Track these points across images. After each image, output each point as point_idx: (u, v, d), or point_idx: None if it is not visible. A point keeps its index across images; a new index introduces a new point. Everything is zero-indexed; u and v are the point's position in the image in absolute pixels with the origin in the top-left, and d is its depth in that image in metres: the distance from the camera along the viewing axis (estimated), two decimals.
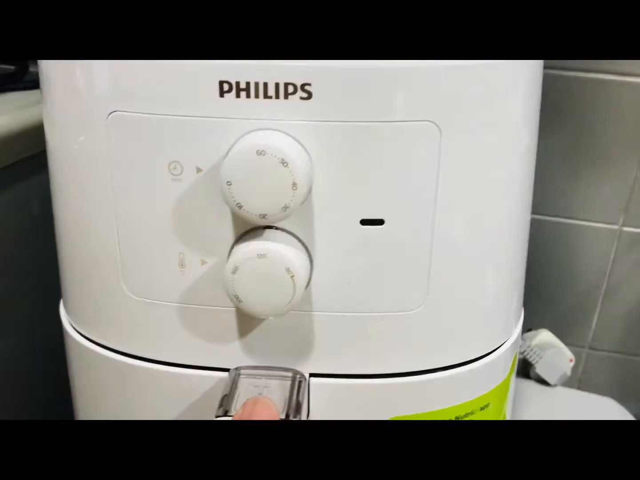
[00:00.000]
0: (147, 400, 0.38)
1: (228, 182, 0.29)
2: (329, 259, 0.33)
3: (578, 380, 0.78)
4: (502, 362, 0.38)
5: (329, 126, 0.30)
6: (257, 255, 0.30)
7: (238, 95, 0.30)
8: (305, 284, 0.31)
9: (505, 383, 0.39)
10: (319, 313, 0.34)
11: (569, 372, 0.64)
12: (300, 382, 0.34)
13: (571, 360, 0.65)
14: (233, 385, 0.34)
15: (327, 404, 0.36)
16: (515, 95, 0.32)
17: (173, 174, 0.31)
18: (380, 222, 0.32)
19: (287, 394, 0.33)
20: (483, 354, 0.37)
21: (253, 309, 0.32)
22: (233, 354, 0.35)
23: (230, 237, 0.33)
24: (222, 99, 0.30)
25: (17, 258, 0.53)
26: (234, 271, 0.31)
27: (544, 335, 0.64)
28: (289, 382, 0.34)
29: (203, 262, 0.33)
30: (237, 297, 0.31)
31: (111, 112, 0.31)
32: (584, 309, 0.76)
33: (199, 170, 0.31)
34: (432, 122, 0.30)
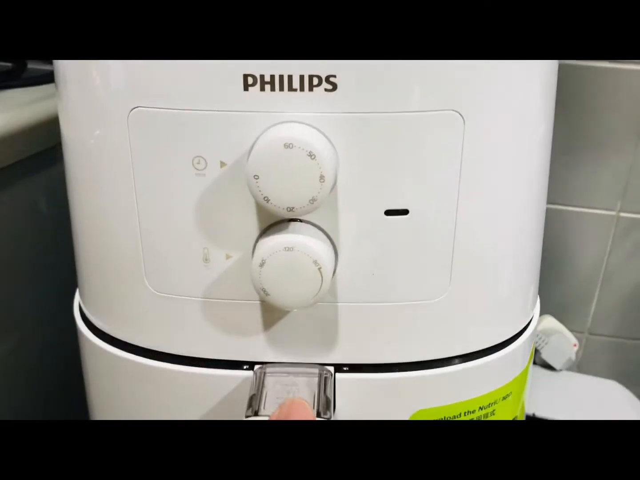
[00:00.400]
0: (163, 402, 0.38)
1: (255, 175, 0.29)
2: (353, 250, 0.33)
3: (577, 365, 0.79)
4: (523, 351, 0.38)
5: (353, 117, 0.30)
6: (284, 248, 0.31)
7: (262, 89, 0.30)
8: (332, 275, 0.31)
9: (525, 372, 0.40)
10: (343, 304, 0.34)
11: (573, 357, 0.65)
12: (326, 378, 0.34)
13: (575, 345, 0.66)
14: (260, 384, 0.34)
15: (352, 398, 0.36)
16: (534, 86, 0.32)
17: (197, 169, 0.31)
18: (404, 212, 0.32)
19: (315, 390, 0.33)
20: (503, 340, 0.37)
21: (280, 301, 0.32)
22: (258, 347, 0.35)
23: (254, 231, 0.33)
24: (246, 92, 0.30)
25: (20, 257, 0.52)
26: (261, 264, 0.31)
27: (548, 321, 0.65)
28: (316, 379, 0.34)
29: (227, 257, 0.33)
30: (264, 291, 0.31)
31: (133, 108, 0.31)
32: (582, 294, 0.77)
33: (223, 164, 0.31)
34: (455, 111, 0.30)
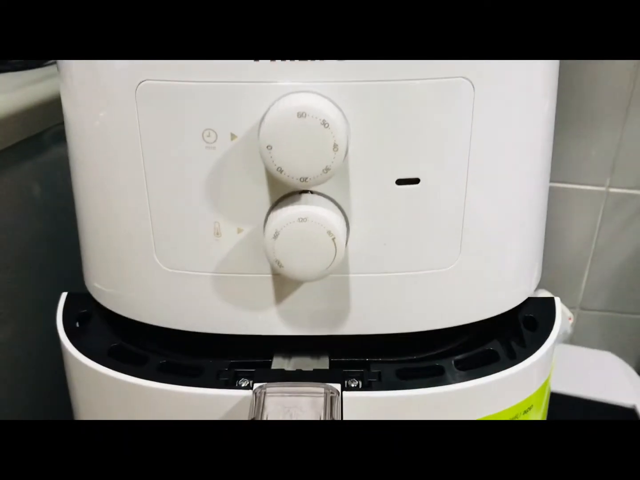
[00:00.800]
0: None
1: (268, 146, 0.29)
2: (364, 220, 0.33)
3: (570, 340, 0.80)
4: (548, 359, 0.38)
5: (364, 86, 0.30)
6: (298, 219, 0.31)
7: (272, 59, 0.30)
8: (345, 246, 0.32)
9: (547, 381, 0.39)
10: (355, 275, 0.34)
11: (569, 330, 0.66)
12: (332, 397, 0.32)
13: (570, 319, 0.67)
14: (259, 406, 0.32)
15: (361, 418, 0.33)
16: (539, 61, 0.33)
17: (207, 142, 0.31)
18: (415, 181, 0.32)
19: (320, 412, 0.31)
20: (510, 308, 0.38)
21: (294, 273, 0.32)
22: (270, 321, 0.35)
23: (266, 203, 0.32)
24: (256, 63, 0.30)
25: (16, 243, 0.51)
26: (275, 236, 0.31)
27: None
28: (321, 399, 0.32)
29: (239, 230, 0.33)
30: (278, 263, 0.31)
31: (141, 82, 0.31)
32: (573, 270, 0.78)
33: (233, 137, 0.31)
34: (465, 78, 0.30)
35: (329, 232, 0.31)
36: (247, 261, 0.34)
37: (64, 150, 0.36)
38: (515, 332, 0.38)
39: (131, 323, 0.37)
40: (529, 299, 0.39)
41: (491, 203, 0.34)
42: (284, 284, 0.34)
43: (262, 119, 0.30)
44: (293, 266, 0.31)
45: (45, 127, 0.53)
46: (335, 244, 0.31)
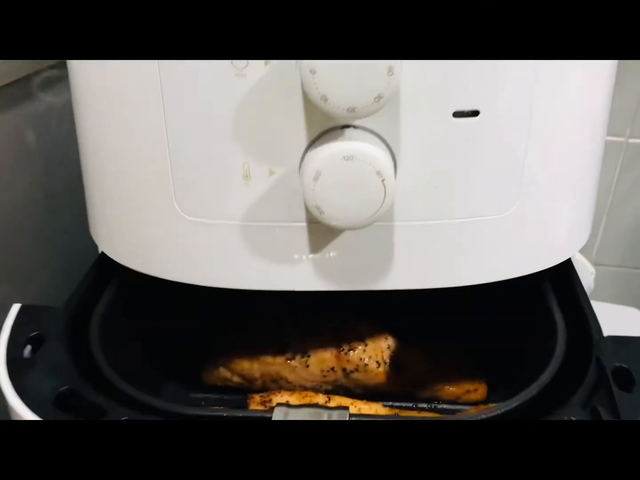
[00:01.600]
0: None
1: (312, 70, 0.25)
2: (415, 159, 0.29)
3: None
4: None
5: None
6: (343, 157, 0.27)
7: None
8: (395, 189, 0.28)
9: None
10: (400, 223, 0.31)
11: (592, 285, 0.64)
12: None
13: (592, 273, 0.64)
14: None
15: None
16: None
17: (237, 68, 0.27)
18: (474, 113, 0.28)
19: None
20: (563, 260, 0.35)
21: (335, 220, 0.28)
22: (303, 275, 0.32)
23: (302, 141, 0.29)
24: None
25: (10, 191, 0.47)
26: (316, 178, 0.27)
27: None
28: None
29: (271, 173, 0.29)
30: (318, 208, 0.27)
31: None
32: None
33: (267, 62, 0.27)
34: None
35: (379, 173, 0.27)
36: (280, 208, 0.30)
37: (57, 99, 0.31)
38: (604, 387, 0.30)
39: (91, 347, 0.32)
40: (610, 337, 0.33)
41: (554, 144, 0.30)
42: (321, 234, 0.31)
43: None
44: (335, 212, 0.28)
45: (35, 70, 0.49)
46: (384, 187, 0.27)
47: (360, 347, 0.40)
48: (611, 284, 0.79)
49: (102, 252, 0.35)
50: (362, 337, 0.41)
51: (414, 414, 0.38)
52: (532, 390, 0.30)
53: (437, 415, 0.39)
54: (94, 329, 0.34)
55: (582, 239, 0.36)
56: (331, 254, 0.31)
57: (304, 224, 0.30)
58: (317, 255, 0.31)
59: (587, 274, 0.64)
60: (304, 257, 0.31)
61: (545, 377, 0.31)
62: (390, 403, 0.41)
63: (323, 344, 0.41)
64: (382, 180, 0.27)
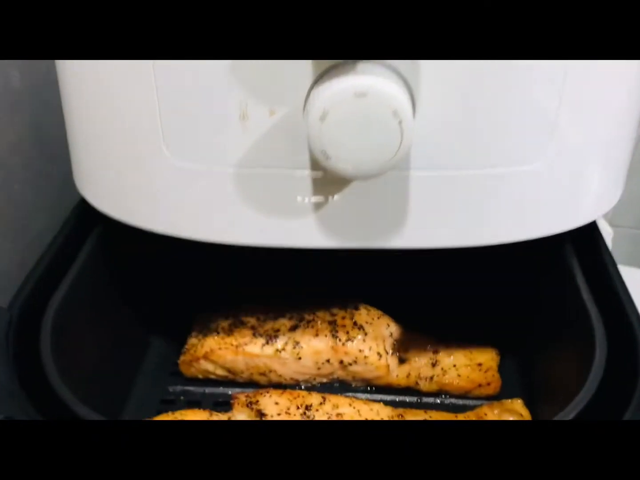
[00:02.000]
0: None
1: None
2: (435, 99, 0.26)
3: None
4: None
5: None
6: (354, 94, 0.23)
7: None
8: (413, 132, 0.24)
9: None
10: (416, 173, 0.27)
11: (611, 246, 0.61)
12: None
13: (610, 234, 0.61)
14: None
15: None
16: None
17: None
18: None
19: None
20: (590, 220, 0.31)
21: (344, 167, 0.25)
22: (305, 230, 0.29)
23: (307, 75, 0.25)
24: None
25: None
26: (322, 118, 0.24)
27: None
28: None
29: (271, 113, 0.26)
30: (324, 153, 0.24)
31: None
32: None
33: None
34: None
35: (395, 113, 0.23)
36: (281, 152, 0.27)
37: None
38: None
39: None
40: None
41: (592, 90, 0.27)
42: (328, 183, 0.27)
43: None
44: (343, 158, 0.24)
45: None
46: (401, 129, 0.24)
47: (359, 337, 0.36)
48: (628, 245, 0.77)
49: (82, 200, 0.32)
50: (360, 324, 0.37)
51: (420, 413, 0.34)
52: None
53: (443, 414, 0.34)
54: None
55: (612, 200, 0.33)
56: (337, 207, 0.28)
57: (308, 172, 0.27)
58: (322, 208, 0.28)
59: (606, 234, 0.61)
60: (307, 209, 0.28)
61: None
62: (393, 397, 0.38)
63: (317, 333, 0.37)
64: (399, 122, 0.24)
